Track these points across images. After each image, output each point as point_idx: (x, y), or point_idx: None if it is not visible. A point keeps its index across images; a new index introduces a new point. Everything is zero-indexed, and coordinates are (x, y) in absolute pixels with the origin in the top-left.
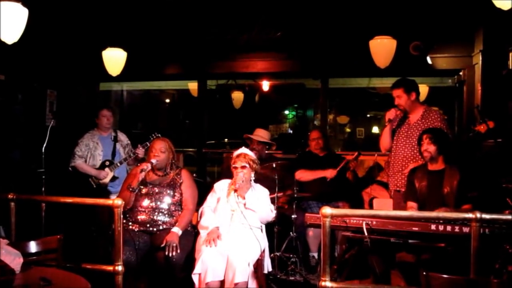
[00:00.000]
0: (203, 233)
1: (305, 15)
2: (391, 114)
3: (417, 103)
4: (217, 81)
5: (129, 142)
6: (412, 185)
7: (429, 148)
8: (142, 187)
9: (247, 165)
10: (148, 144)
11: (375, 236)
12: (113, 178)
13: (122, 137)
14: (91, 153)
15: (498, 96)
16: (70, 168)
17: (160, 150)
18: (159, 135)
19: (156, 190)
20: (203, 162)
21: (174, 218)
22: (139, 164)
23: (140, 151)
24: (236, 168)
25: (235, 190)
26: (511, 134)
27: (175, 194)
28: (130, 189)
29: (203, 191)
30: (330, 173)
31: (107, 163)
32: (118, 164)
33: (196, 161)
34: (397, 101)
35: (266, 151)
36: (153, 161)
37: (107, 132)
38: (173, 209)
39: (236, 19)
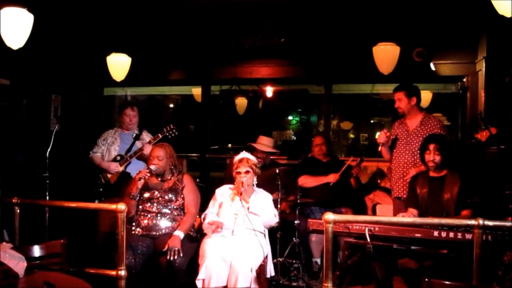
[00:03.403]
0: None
1: (308, 21)
2: (381, 138)
3: (417, 108)
4: (221, 86)
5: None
6: (413, 192)
7: (436, 158)
8: (144, 191)
9: (251, 170)
10: (152, 142)
11: (378, 242)
12: (124, 174)
13: (146, 136)
14: (108, 148)
15: (501, 103)
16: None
17: (158, 158)
18: (174, 128)
19: (158, 195)
20: (206, 167)
21: (177, 222)
22: (139, 171)
23: (147, 148)
24: (239, 173)
25: (240, 194)
26: None
27: (177, 198)
28: (131, 197)
29: (206, 196)
30: (332, 178)
31: (118, 157)
32: (129, 158)
33: (199, 166)
34: (397, 104)
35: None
36: (152, 167)
37: (130, 131)
38: (176, 213)
39: (240, 25)
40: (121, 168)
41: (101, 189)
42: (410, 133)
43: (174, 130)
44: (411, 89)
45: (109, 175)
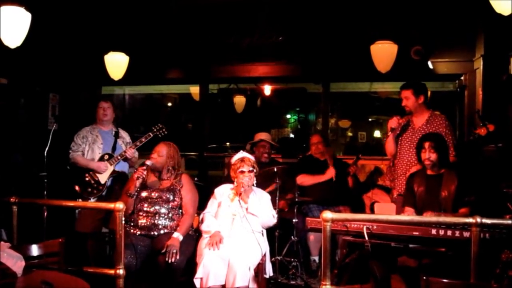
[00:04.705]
0: (205, 236)
1: (306, 20)
2: (393, 122)
3: (424, 107)
4: (219, 85)
5: (130, 140)
6: (410, 191)
7: (431, 156)
8: (142, 190)
9: (254, 169)
10: (138, 144)
11: (376, 240)
12: (114, 172)
13: (124, 134)
14: (90, 146)
15: (498, 101)
16: (68, 167)
17: (158, 153)
18: (163, 127)
19: (156, 194)
20: (204, 166)
21: (175, 222)
22: (136, 170)
23: (129, 152)
24: (243, 172)
25: (240, 194)
26: (511, 139)
27: (175, 198)
28: (128, 195)
29: (204, 195)
30: (330, 174)
31: (106, 156)
32: (119, 157)
33: (197, 165)
34: (404, 102)
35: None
36: (148, 162)
37: (108, 127)
38: (173, 213)
39: (238, 23)
40: (111, 168)
41: (89, 189)
42: (415, 131)
43: (163, 129)
44: (418, 87)
45: (98, 175)
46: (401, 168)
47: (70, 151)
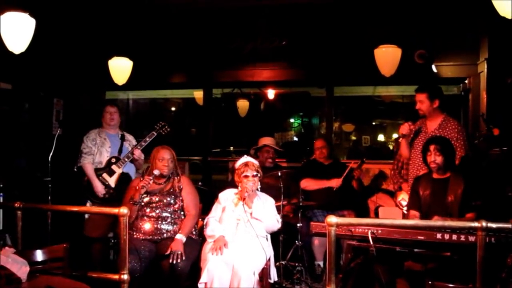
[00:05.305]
0: (210, 241)
1: (309, 24)
2: (404, 129)
3: (438, 111)
4: (223, 89)
5: (136, 143)
6: (415, 194)
7: (437, 159)
8: (144, 195)
9: (258, 174)
10: (143, 144)
11: (381, 245)
12: (123, 175)
13: (130, 137)
14: (98, 149)
15: (503, 104)
16: (75, 169)
17: (170, 161)
18: (165, 124)
19: (157, 199)
20: (208, 170)
21: (178, 225)
22: (141, 179)
23: (137, 152)
24: (247, 176)
25: (243, 199)
26: None
27: (176, 201)
28: (132, 203)
29: (208, 199)
30: (335, 183)
31: (114, 160)
32: (126, 159)
33: (201, 169)
34: (418, 106)
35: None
36: (156, 172)
37: (115, 131)
38: (176, 216)
39: (241, 28)
40: (120, 170)
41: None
42: (428, 135)
43: (166, 127)
44: (434, 91)
45: (108, 179)
46: (413, 172)
47: (83, 154)
